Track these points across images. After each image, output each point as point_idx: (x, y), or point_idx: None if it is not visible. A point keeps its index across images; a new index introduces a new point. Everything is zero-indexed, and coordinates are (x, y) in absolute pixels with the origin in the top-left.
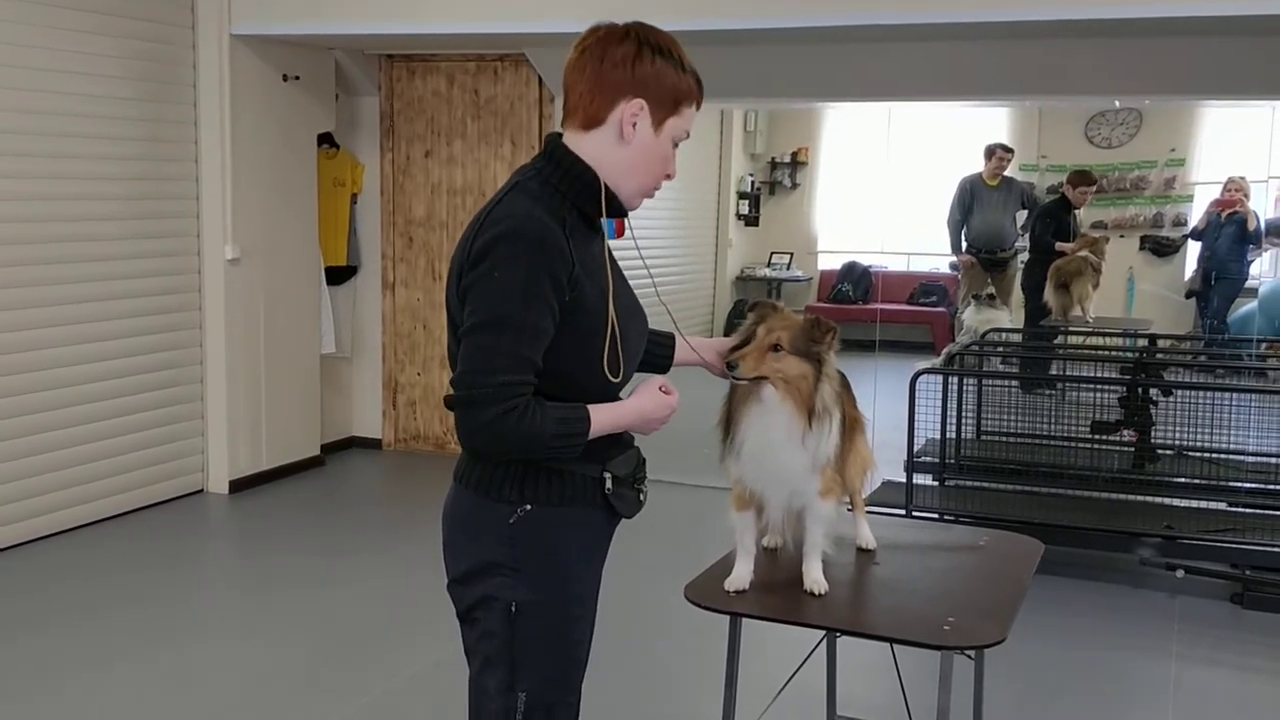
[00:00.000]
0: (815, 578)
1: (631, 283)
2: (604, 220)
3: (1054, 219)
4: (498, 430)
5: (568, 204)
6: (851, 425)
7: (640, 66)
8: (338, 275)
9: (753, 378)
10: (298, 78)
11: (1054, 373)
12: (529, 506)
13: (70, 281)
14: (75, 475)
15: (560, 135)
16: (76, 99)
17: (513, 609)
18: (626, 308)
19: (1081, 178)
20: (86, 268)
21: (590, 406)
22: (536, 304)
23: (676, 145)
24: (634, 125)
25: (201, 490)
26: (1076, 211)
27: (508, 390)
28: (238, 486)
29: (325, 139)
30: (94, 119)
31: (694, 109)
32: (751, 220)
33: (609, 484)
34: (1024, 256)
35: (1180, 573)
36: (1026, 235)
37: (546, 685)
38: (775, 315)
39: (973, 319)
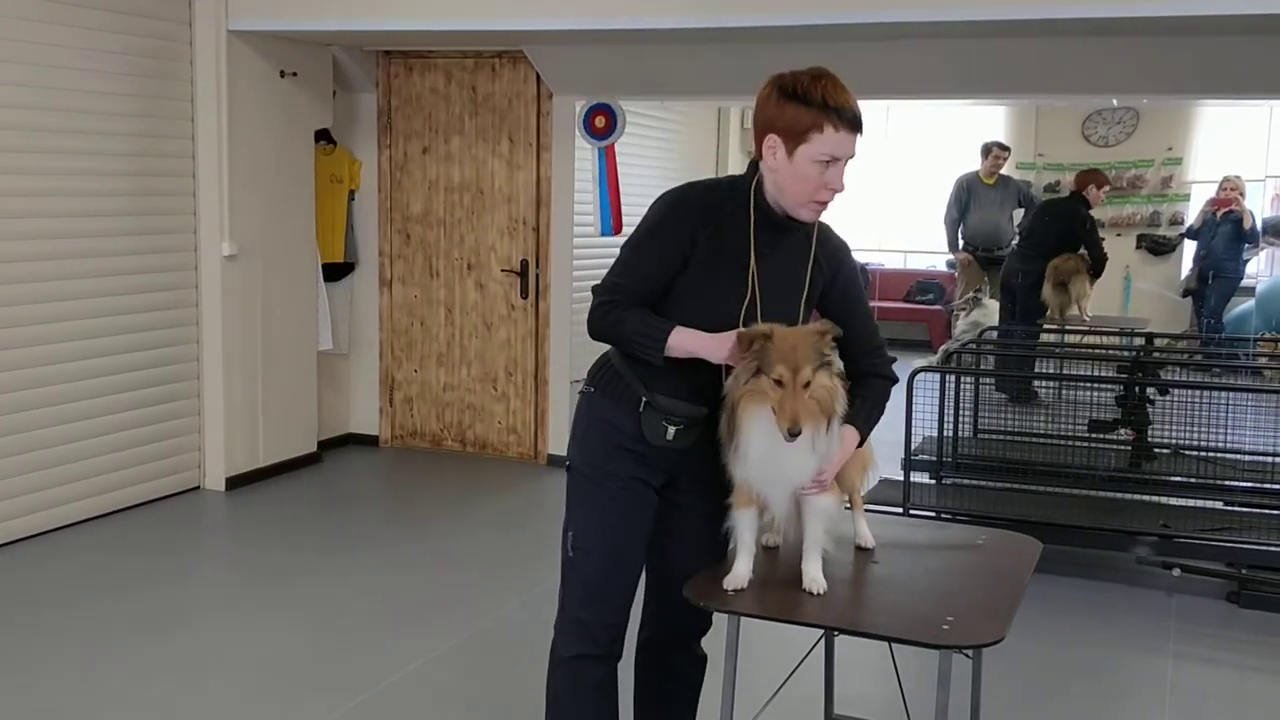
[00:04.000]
0: (814, 576)
1: None
2: (601, 215)
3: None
4: (595, 315)
5: (735, 195)
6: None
7: (768, 109)
8: (335, 272)
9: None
10: (295, 74)
11: (1051, 371)
12: (593, 389)
13: (66, 278)
14: (71, 472)
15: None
16: (73, 95)
17: (568, 464)
18: (708, 281)
19: (1103, 177)
20: (83, 264)
21: (679, 327)
22: (658, 242)
23: (831, 164)
24: (774, 154)
25: (198, 487)
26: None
27: (613, 288)
28: (234, 483)
29: (323, 135)
30: (91, 115)
31: (825, 134)
32: None
33: (642, 405)
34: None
35: (1177, 571)
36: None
37: (584, 532)
38: (773, 346)
39: (971, 316)
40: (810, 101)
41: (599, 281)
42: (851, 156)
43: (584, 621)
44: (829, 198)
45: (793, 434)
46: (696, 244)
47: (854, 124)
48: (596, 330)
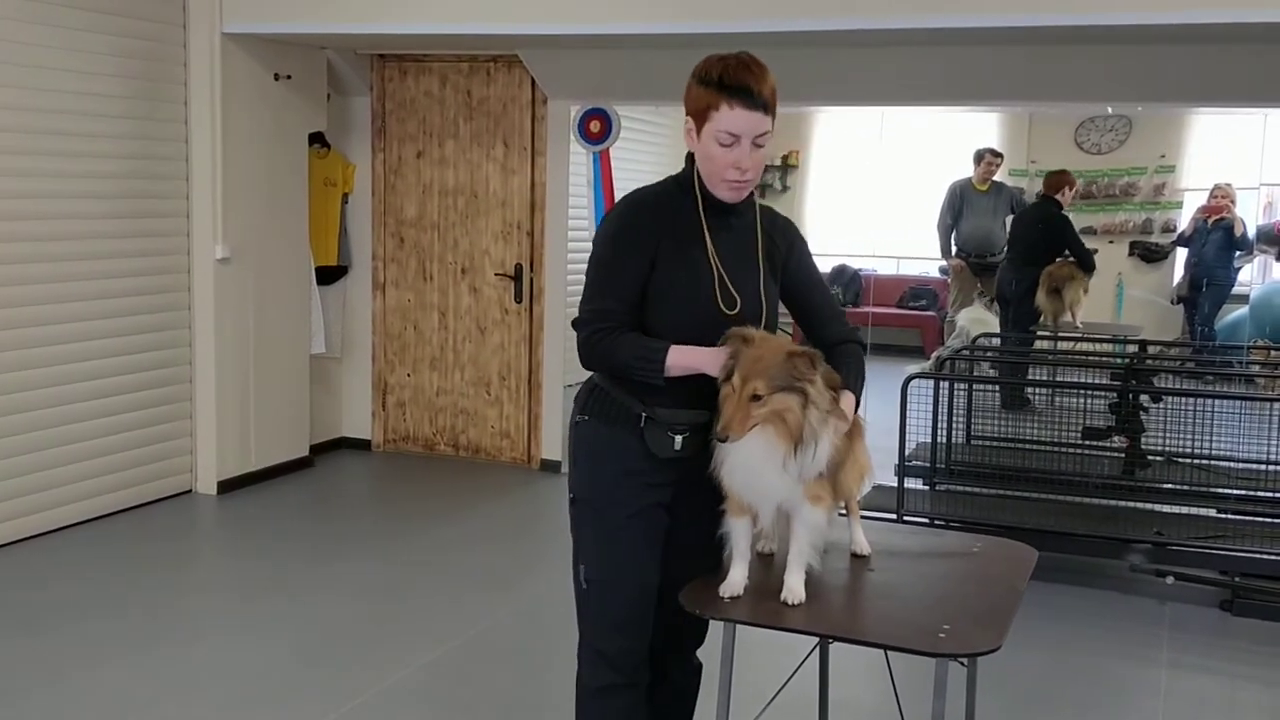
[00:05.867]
0: (792, 586)
1: None
2: (596, 220)
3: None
4: (586, 348)
5: (680, 189)
6: (851, 431)
7: (685, 94)
8: (328, 275)
9: (746, 433)
10: (289, 77)
11: (1045, 378)
12: (586, 417)
13: (59, 280)
14: (63, 475)
15: None
16: (67, 96)
17: (571, 496)
18: (678, 275)
19: (1071, 177)
20: (75, 266)
21: (675, 345)
22: (622, 251)
23: (733, 144)
24: (690, 138)
25: (190, 490)
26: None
27: (595, 315)
28: (226, 487)
29: (316, 138)
30: (84, 117)
31: (722, 111)
32: None
33: (642, 421)
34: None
35: (1170, 579)
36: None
37: (596, 564)
38: (746, 352)
39: (966, 320)
40: (708, 82)
41: (578, 315)
42: (760, 134)
43: (605, 653)
44: (738, 177)
45: (719, 439)
46: (659, 245)
47: (751, 101)
48: (589, 363)
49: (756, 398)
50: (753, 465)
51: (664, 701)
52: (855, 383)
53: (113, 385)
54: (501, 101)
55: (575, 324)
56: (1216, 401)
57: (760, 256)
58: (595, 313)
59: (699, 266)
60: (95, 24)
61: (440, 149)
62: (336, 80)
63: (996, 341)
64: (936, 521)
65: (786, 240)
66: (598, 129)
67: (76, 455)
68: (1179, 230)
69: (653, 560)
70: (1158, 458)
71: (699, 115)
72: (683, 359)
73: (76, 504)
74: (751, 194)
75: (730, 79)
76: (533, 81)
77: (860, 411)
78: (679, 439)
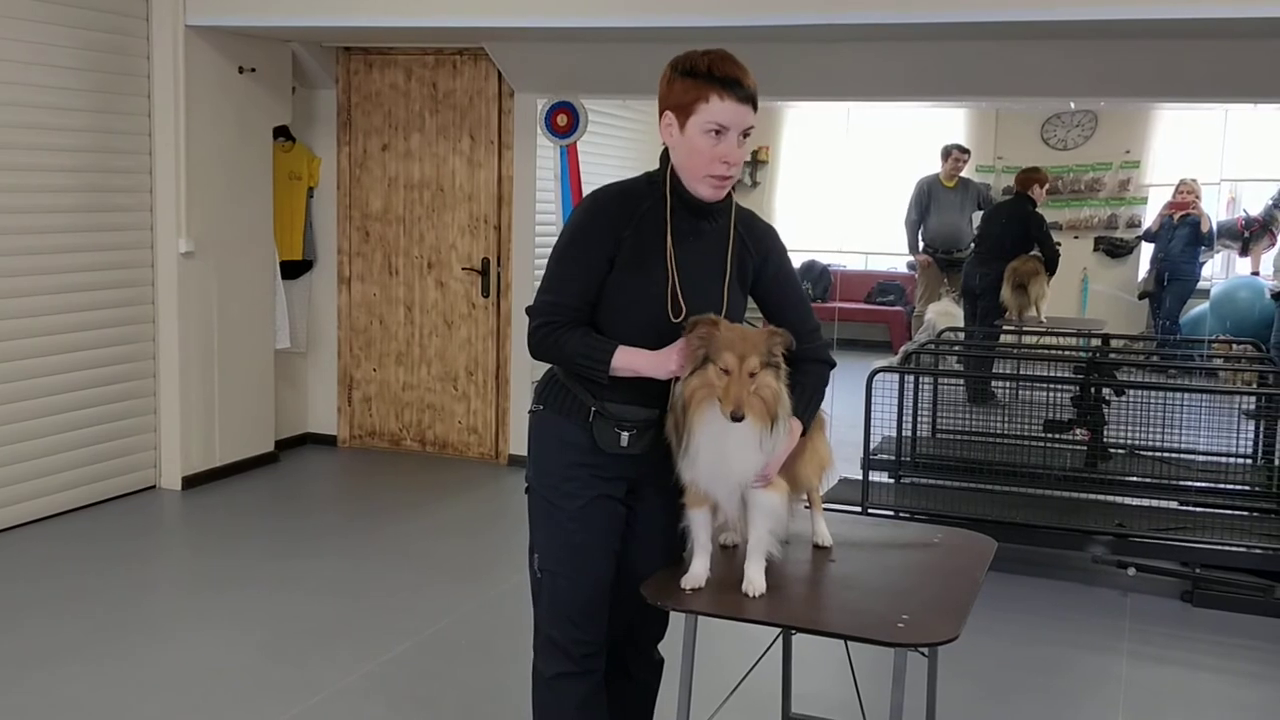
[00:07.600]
0: (752, 578)
1: None
2: (563, 214)
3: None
4: (535, 339)
5: (653, 189)
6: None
7: (662, 89)
8: (293, 270)
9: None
10: (254, 70)
11: (1008, 371)
12: (541, 407)
13: (20, 274)
14: (24, 470)
15: None
16: (28, 89)
17: (527, 485)
18: (634, 277)
19: (1044, 175)
20: (37, 260)
21: (622, 346)
22: (582, 248)
23: (722, 134)
24: (670, 132)
25: (154, 486)
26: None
27: (545, 308)
28: (190, 483)
29: (281, 132)
30: (46, 110)
31: (711, 103)
32: None
33: (591, 415)
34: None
35: (1131, 570)
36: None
37: (547, 554)
38: (721, 335)
39: (933, 314)
40: (696, 74)
41: (532, 302)
42: (746, 128)
43: (558, 641)
44: (725, 170)
45: (735, 418)
46: (621, 244)
47: (740, 93)
48: (537, 353)
49: (753, 374)
50: (726, 451)
51: (624, 696)
52: (807, 410)
53: (76, 380)
54: (468, 94)
55: (529, 311)
56: (1178, 395)
57: (730, 263)
58: (548, 305)
59: (655, 272)
60: (57, 16)
61: (406, 142)
62: (301, 73)
63: (962, 336)
64: (901, 514)
65: (762, 248)
66: (565, 123)
67: (38, 451)
68: (1145, 226)
69: (605, 552)
70: (1120, 451)
71: (684, 109)
72: (628, 361)
73: (38, 500)
74: (730, 195)
75: (719, 70)
76: (499, 74)
77: (825, 405)
78: (625, 435)
